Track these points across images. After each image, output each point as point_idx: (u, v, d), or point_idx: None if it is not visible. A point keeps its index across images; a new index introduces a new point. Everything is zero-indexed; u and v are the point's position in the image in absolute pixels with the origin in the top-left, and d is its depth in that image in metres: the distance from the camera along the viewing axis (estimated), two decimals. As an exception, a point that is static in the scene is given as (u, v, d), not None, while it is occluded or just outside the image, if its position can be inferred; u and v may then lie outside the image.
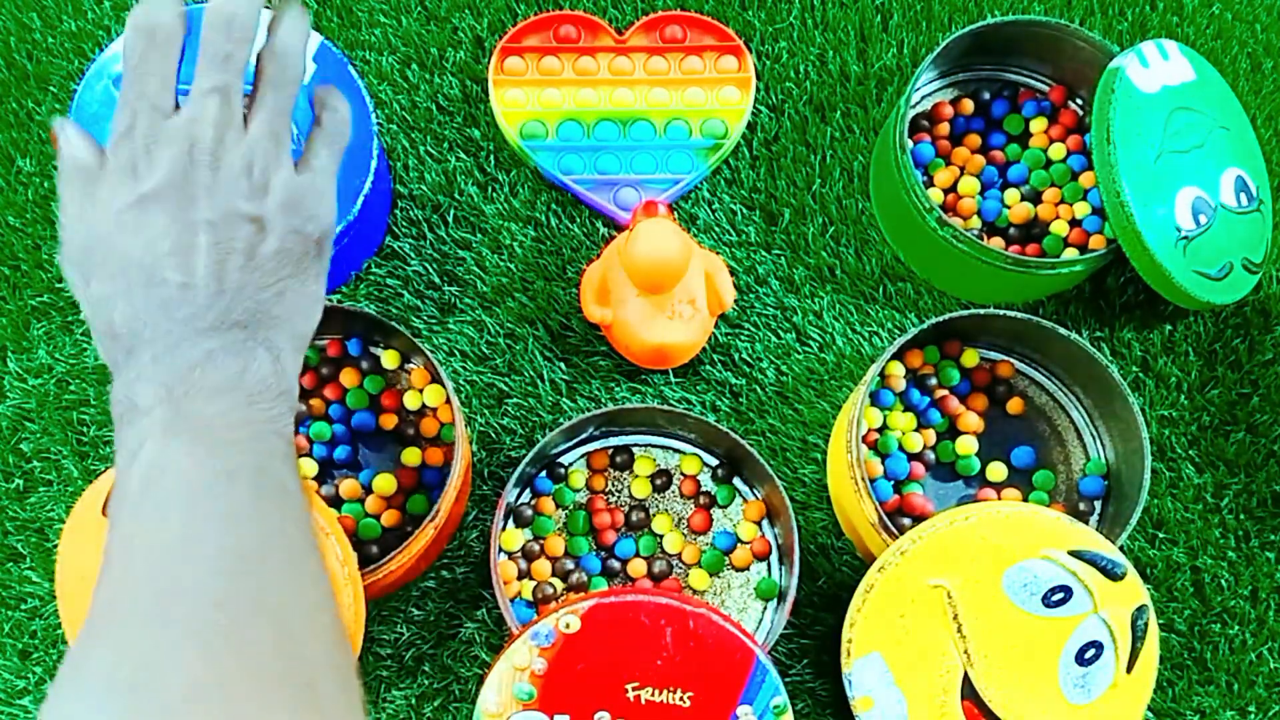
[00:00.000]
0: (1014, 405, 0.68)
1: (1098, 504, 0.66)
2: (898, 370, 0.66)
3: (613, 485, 0.66)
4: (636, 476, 0.66)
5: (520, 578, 0.63)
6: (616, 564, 0.64)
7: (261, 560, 0.40)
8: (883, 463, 0.65)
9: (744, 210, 0.72)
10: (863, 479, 0.60)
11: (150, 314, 0.43)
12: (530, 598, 0.63)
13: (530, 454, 0.62)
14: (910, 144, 0.70)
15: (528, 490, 0.65)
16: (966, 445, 0.66)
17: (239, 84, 0.46)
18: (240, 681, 0.37)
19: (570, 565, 0.64)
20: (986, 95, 0.73)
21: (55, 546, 0.64)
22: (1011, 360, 0.68)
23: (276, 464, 0.43)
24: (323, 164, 0.48)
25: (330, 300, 0.68)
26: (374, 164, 0.64)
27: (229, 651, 0.37)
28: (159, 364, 0.42)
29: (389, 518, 0.63)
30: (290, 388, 0.45)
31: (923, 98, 0.73)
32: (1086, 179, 0.70)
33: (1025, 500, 0.66)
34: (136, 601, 0.38)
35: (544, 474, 0.65)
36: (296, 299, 0.46)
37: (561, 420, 0.67)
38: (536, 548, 0.64)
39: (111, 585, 0.39)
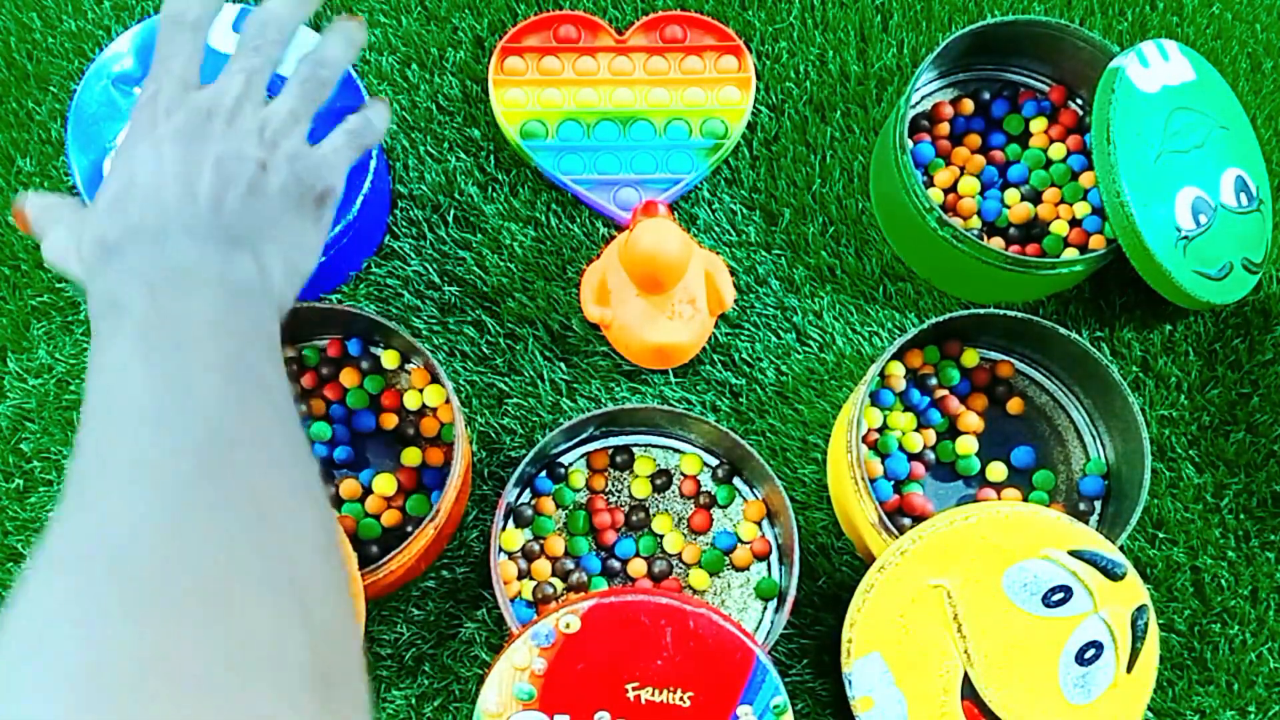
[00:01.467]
0: (1014, 405, 0.68)
1: (1098, 504, 0.66)
2: (898, 370, 0.66)
3: (613, 485, 0.66)
4: (636, 476, 0.66)
5: (520, 578, 0.63)
6: (616, 564, 0.64)
7: (233, 444, 0.38)
8: (883, 463, 0.65)
9: (744, 210, 0.72)
10: (863, 479, 0.60)
11: (148, 218, 0.44)
12: (530, 598, 0.63)
13: (530, 454, 0.62)
14: (910, 144, 0.70)
15: (528, 490, 0.65)
16: (966, 445, 0.66)
17: (267, 71, 0.49)
18: (212, 555, 0.35)
19: (570, 565, 0.64)
20: (986, 95, 0.73)
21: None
22: (1011, 360, 0.68)
23: (254, 357, 0.42)
24: (336, 145, 0.51)
25: (330, 300, 0.68)
26: (373, 163, 0.64)
27: (203, 537, 0.35)
28: (146, 260, 0.43)
29: (389, 518, 0.63)
30: (276, 295, 0.46)
31: (923, 98, 0.73)
32: (1086, 179, 0.70)
33: (1025, 500, 0.66)
34: (105, 477, 0.37)
35: (544, 474, 0.65)
36: (291, 234, 0.47)
37: (561, 420, 0.67)
38: (536, 548, 0.64)
39: (82, 457, 0.38)
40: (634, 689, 0.55)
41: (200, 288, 0.42)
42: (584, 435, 0.66)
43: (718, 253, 0.70)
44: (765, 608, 0.64)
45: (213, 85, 0.49)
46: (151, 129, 0.47)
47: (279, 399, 0.42)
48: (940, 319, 0.63)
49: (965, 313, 0.63)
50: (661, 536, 0.65)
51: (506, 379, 0.68)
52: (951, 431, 0.67)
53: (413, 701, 0.63)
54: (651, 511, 0.66)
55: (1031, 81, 0.73)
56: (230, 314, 0.43)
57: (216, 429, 0.38)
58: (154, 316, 0.41)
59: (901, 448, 0.66)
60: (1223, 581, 0.66)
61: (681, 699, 0.56)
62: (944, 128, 0.72)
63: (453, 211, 0.71)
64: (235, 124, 0.48)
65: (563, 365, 0.68)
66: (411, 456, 0.64)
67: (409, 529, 0.63)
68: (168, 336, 0.40)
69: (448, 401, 0.62)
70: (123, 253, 0.44)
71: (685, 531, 0.66)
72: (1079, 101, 0.72)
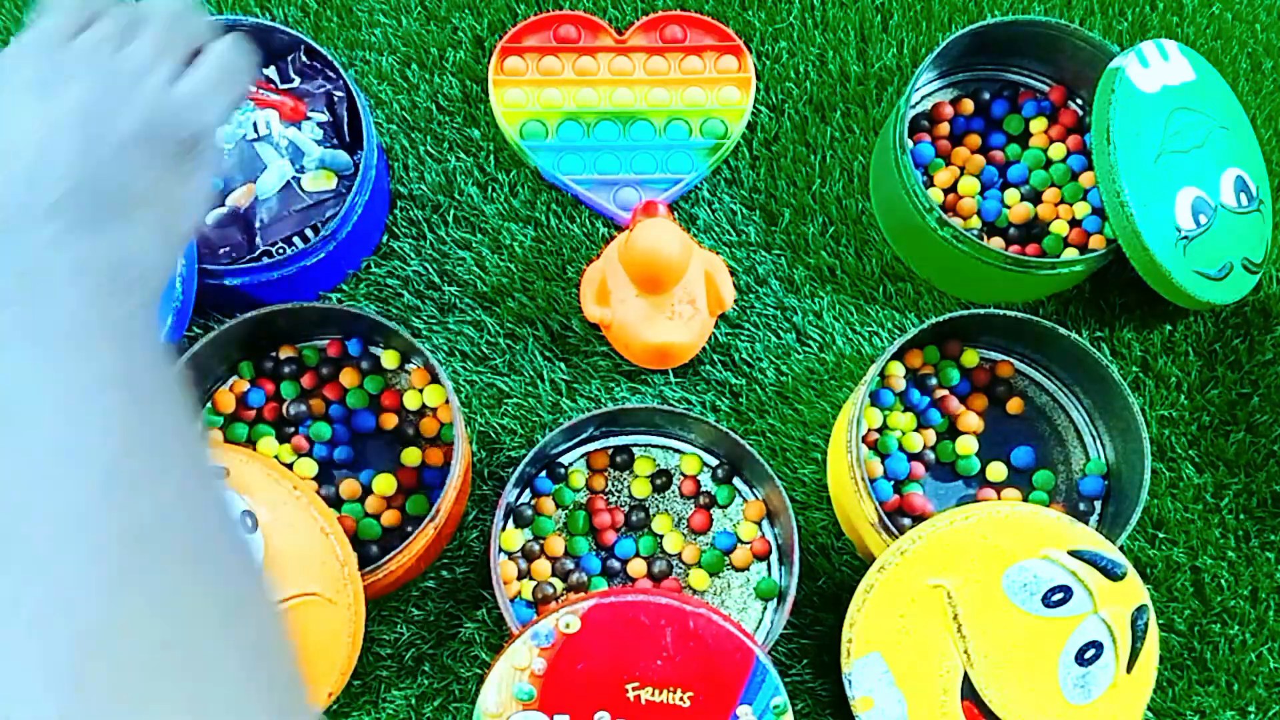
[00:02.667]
0: (1014, 405, 0.68)
1: (1098, 504, 0.66)
2: (898, 370, 0.66)
3: (613, 485, 0.66)
4: (636, 476, 0.66)
5: (520, 578, 0.63)
6: (616, 564, 0.64)
7: (149, 478, 0.35)
8: (883, 463, 0.65)
9: (744, 210, 0.72)
10: (863, 479, 0.60)
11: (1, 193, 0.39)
12: (530, 598, 0.63)
13: (530, 454, 0.62)
14: (910, 144, 0.70)
15: (528, 490, 0.65)
16: (966, 445, 0.66)
17: (142, 30, 0.44)
18: (151, 616, 0.32)
19: (570, 565, 0.64)
20: (986, 95, 0.73)
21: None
22: (1011, 360, 0.68)
23: (144, 365, 0.38)
24: (197, 83, 0.45)
25: (330, 300, 0.68)
26: (374, 160, 0.64)
27: (133, 585, 0.32)
28: (3, 244, 0.37)
29: (389, 518, 0.63)
30: (146, 274, 0.41)
31: (923, 98, 0.73)
32: (1086, 179, 0.70)
33: (1025, 500, 0.66)
34: (22, 539, 0.33)
35: (544, 474, 0.65)
36: (154, 189, 0.42)
37: (561, 420, 0.67)
38: (536, 548, 0.64)
39: None
40: (634, 689, 0.55)
41: (65, 286, 0.37)
42: (584, 435, 0.66)
43: (718, 253, 0.70)
44: (765, 608, 0.64)
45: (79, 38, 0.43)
46: (6, 80, 0.42)
47: (174, 413, 0.38)
48: (940, 319, 0.63)
49: (965, 313, 0.63)
50: (661, 536, 0.65)
51: (506, 379, 0.68)
52: (951, 431, 0.67)
53: (413, 701, 0.63)
54: (651, 511, 0.66)
55: (1031, 81, 0.73)
56: (107, 316, 0.38)
57: (133, 463, 0.35)
58: (28, 321, 0.36)
59: (901, 448, 0.66)
60: (1223, 581, 0.66)
61: (681, 699, 0.56)
62: (944, 128, 0.72)
63: (453, 211, 0.71)
64: (92, 70, 0.42)
65: (563, 365, 0.68)
66: (411, 456, 0.64)
67: (409, 529, 0.62)
68: (50, 351, 0.36)
69: (448, 401, 0.62)
70: None
71: (685, 531, 0.66)
72: (1079, 101, 0.72)
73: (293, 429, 0.65)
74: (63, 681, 0.31)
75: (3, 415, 0.34)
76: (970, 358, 0.68)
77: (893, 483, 0.65)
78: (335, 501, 0.64)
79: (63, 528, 0.33)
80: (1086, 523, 0.64)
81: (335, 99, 0.68)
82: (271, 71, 0.68)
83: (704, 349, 0.69)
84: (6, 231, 0.38)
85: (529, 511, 0.64)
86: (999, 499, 0.66)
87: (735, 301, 0.68)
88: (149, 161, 0.42)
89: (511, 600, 0.63)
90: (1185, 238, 0.65)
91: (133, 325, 0.39)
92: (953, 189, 0.71)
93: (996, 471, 0.66)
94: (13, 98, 0.41)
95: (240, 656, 0.34)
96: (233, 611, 0.34)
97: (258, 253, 0.65)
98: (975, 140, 0.72)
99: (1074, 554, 0.56)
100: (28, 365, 0.35)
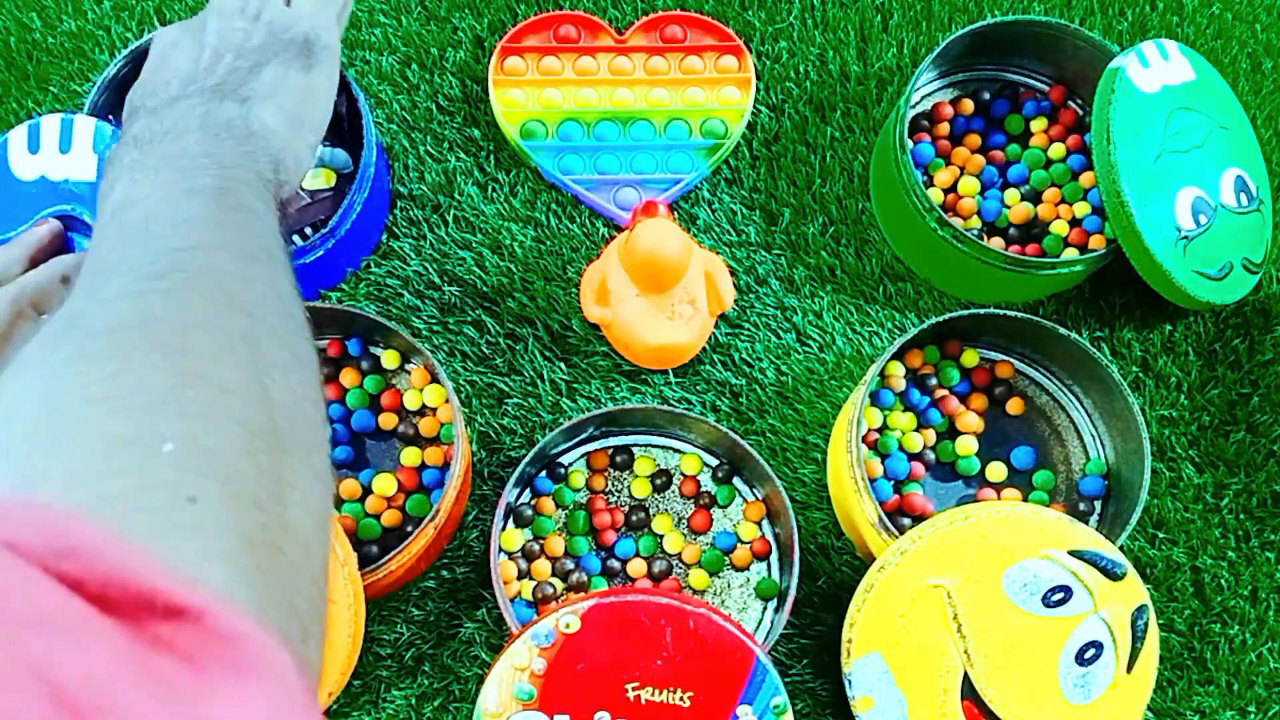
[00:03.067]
0: (1014, 405, 0.68)
1: (1098, 504, 0.66)
2: (898, 370, 0.66)
3: (613, 485, 0.66)
4: (636, 476, 0.66)
5: (520, 578, 0.63)
6: (616, 564, 0.64)
7: (215, 247, 0.40)
8: (883, 463, 0.65)
9: (744, 210, 0.72)
10: (863, 479, 0.60)
11: (156, 89, 0.51)
12: (530, 598, 0.63)
13: (530, 454, 0.62)
14: (910, 144, 0.70)
15: (528, 490, 0.65)
16: (966, 445, 0.66)
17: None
18: (182, 323, 0.35)
19: (570, 565, 0.64)
20: (986, 95, 0.73)
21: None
22: (1011, 360, 0.68)
23: (241, 188, 0.44)
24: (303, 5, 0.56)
25: (330, 300, 0.68)
26: (374, 159, 0.64)
27: (164, 304, 0.36)
28: (145, 126, 0.47)
29: (389, 518, 0.63)
30: (263, 133, 0.49)
31: (923, 98, 0.73)
32: (1086, 179, 0.70)
33: (1025, 500, 0.66)
34: (89, 276, 0.38)
35: (544, 474, 0.65)
36: (277, 81, 0.51)
37: (561, 420, 0.67)
38: (536, 548, 0.64)
39: (79, 274, 0.40)
40: (634, 689, 0.55)
41: (184, 134, 0.46)
42: (584, 435, 0.66)
43: (718, 253, 0.70)
44: (765, 608, 0.64)
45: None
46: (180, 30, 0.55)
47: (259, 224, 0.43)
48: (940, 319, 0.63)
49: (965, 313, 0.63)
50: (661, 536, 0.65)
51: (506, 379, 0.68)
52: (951, 431, 0.67)
53: (413, 701, 0.63)
54: (651, 511, 0.66)
55: (1031, 81, 0.73)
56: (214, 152, 0.45)
57: (200, 241, 0.40)
58: (143, 161, 0.45)
59: (901, 448, 0.66)
60: (1223, 581, 0.66)
61: (681, 699, 0.56)
62: (944, 128, 0.72)
63: (453, 211, 0.71)
64: (225, 14, 0.54)
65: (563, 365, 0.68)
66: (411, 456, 0.64)
67: (409, 529, 0.62)
68: (151, 169, 0.44)
69: (448, 401, 0.62)
70: (133, 119, 0.49)
71: (685, 531, 0.66)
72: (1079, 101, 0.72)
73: (293, 429, 0.65)
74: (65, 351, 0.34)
75: (112, 218, 0.42)
76: (970, 358, 0.68)
77: (893, 483, 0.65)
78: (335, 501, 0.64)
79: (120, 267, 0.38)
80: (1086, 523, 0.64)
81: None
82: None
83: (704, 349, 0.69)
84: (155, 108, 0.49)
85: (529, 511, 0.64)
86: (999, 499, 0.66)
87: (735, 301, 0.68)
88: (265, 62, 0.52)
89: (511, 600, 0.63)
90: (1185, 238, 0.65)
91: (242, 163, 0.46)
92: (953, 189, 0.71)
93: (996, 471, 0.66)
94: (180, 36, 0.54)
95: (248, 387, 0.35)
96: (252, 368, 0.36)
97: (258, 253, 0.65)
98: (975, 140, 0.72)
99: (1074, 554, 0.56)
100: (139, 182, 0.43)
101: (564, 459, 0.66)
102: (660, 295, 0.64)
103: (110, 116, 0.64)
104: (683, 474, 0.66)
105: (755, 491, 0.66)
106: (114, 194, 0.44)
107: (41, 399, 0.32)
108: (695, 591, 0.64)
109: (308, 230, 0.65)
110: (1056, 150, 0.71)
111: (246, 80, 0.51)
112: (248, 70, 0.52)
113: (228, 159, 0.45)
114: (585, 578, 0.63)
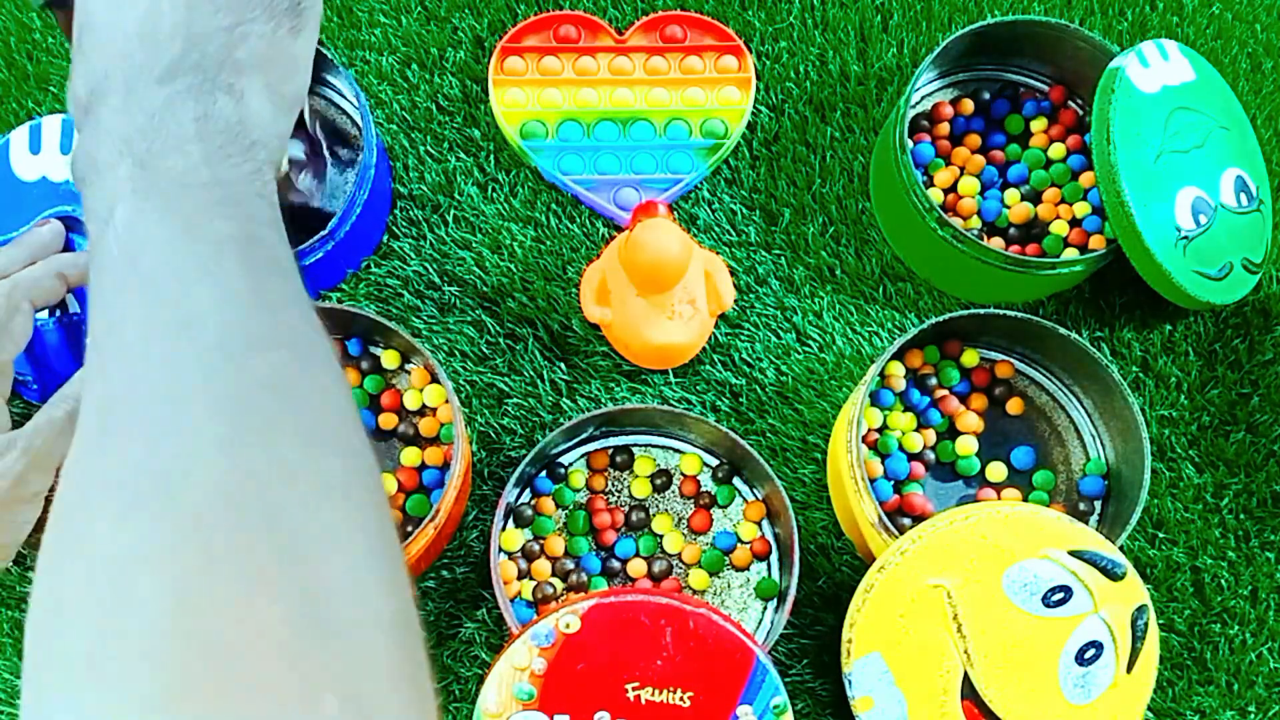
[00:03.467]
0: (1014, 405, 0.68)
1: (1098, 504, 0.66)
2: (898, 370, 0.66)
3: (613, 485, 0.66)
4: (636, 476, 0.66)
5: (520, 578, 0.63)
6: (616, 564, 0.64)
7: (267, 341, 0.34)
8: (883, 463, 0.65)
9: (744, 210, 0.72)
10: (863, 479, 0.60)
11: (112, 64, 0.40)
12: (530, 598, 0.63)
13: (530, 454, 0.62)
14: (910, 144, 0.70)
15: (528, 490, 0.65)
16: (966, 445, 0.66)
17: None
18: (273, 476, 0.31)
19: (570, 565, 0.64)
20: (986, 95, 0.73)
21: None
22: (1011, 360, 0.68)
23: (264, 231, 0.38)
24: None
25: (330, 300, 0.68)
26: (374, 159, 0.64)
27: (254, 443, 0.31)
28: (117, 115, 0.39)
29: (389, 518, 0.63)
30: (264, 138, 0.42)
31: (923, 98, 0.73)
32: (1086, 179, 0.70)
33: (1025, 500, 0.66)
34: (140, 402, 0.32)
35: (544, 474, 0.65)
36: (265, 47, 0.43)
37: (561, 420, 0.67)
38: (536, 548, 0.64)
39: (105, 381, 0.33)
40: (634, 689, 0.55)
41: (180, 147, 0.38)
42: (584, 435, 0.66)
43: (718, 253, 0.70)
44: (765, 608, 0.64)
45: None
46: None
47: (293, 281, 0.38)
48: (940, 319, 0.63)
49: (965, 313, 0.63)
50: (661, 536, 0.65)
51: (506, 379, 0.68)
52: (951, 431, 0.67)
53: (413, 701, 0.63)
54: (651, 511, 0.66)
55: (1031, 81, 0.73)
56: (222, 180, 0.38)
57: (250, 329, 0.34)
58: (144, 182, 0.37)
59: (901, 448, 0.66)
60: (1223, 581, 0.66)
61: (681, 699, 0.56)
62: (944, 128, 0.72)
63: (453, 211, 0.71)
64: None
65: (563, 365, 0.68)
66: (411, 456, 0.64)
67: (409, 529, 0.62)
68: (157, 197, 0.36)
69: (448, 401, 0.62)
70: (95, 111, 0.40)
71: (685, 531, 0.66)
72: (1079, 101, 0.72)
73: (293, 429, 0.65)
74: (187, 544, 0.29)
75: (129, 269, 0.35)
76: (970, 358, 0.68)
77: (893, 483, 0.65)
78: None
79: (181, 388, 0.32)
80: (1086, 523, 0.64)
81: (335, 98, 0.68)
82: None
83: (704, 349, 0.69)
84: (129, 91, 0.39)
85: (529, 511, 0.64)
86: (999, 499, 0.66)
87: (735, 301, 0.68)
88: (243, 11, 0.42)
89: (511, 600, 0.63)
90: (1185, 238, 0.65)
91: (250, 188, 0.39)
92: (953, 189, 0.71)
93: (996, 471, 0.66)
94: None
95: (354, 524, 0.32)
96: (348, 483, 0.33)
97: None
98: (975, 140, 0.72)
99: (1074, 554, 0.56)
100: (149, 219, 0.36)
101: (564, 459, 0.66)
102: (660, 295, 0.64)
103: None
104: (683, 474, 0.66)
105: (755, 491, 0.66)
106: (115, 219, 0.36)
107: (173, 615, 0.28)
108: (695, 591, 0.64)
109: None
110: (1056, 150, 0.71)
111: (230, 54, 0.42)
112: (232, 38, 0.42)
113: (238, 184, 0.39)
114: (585, 578, 0.63)
